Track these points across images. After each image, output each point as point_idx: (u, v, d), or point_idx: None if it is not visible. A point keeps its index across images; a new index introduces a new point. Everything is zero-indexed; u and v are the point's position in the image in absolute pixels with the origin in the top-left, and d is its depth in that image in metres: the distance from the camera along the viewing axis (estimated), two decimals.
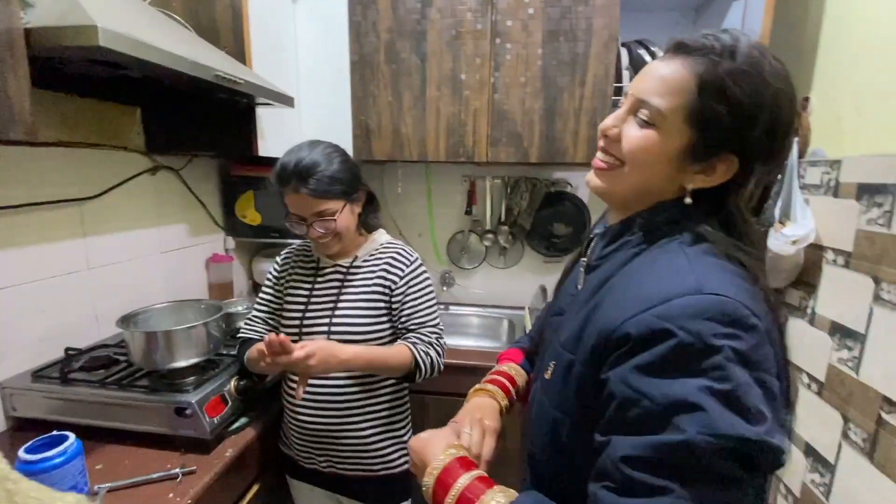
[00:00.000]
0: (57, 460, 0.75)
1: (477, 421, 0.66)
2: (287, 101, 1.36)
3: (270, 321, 1.12)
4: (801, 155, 1.22)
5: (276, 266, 1.14)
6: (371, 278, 1.05)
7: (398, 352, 0.99)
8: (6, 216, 1.03)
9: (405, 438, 1.10)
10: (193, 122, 1.39)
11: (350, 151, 1.06)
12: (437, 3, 1.54)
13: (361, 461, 1.05)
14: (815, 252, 1.09)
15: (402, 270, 1.05)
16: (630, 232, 0.57)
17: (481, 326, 1.96)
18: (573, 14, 1.49)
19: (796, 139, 1.18)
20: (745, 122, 0.49)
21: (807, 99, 1.25)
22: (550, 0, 1.49)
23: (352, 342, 0.99)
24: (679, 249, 0.51)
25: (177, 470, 0.89)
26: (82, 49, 0.78)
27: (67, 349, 1.13)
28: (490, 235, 1.97)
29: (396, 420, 1.09)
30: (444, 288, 2.07)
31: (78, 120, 1.19)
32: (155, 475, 0.87)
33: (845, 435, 0.96)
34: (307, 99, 1.69)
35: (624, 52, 1.58)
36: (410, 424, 1.15)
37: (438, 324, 1.07)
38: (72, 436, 0.80)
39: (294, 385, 1.05)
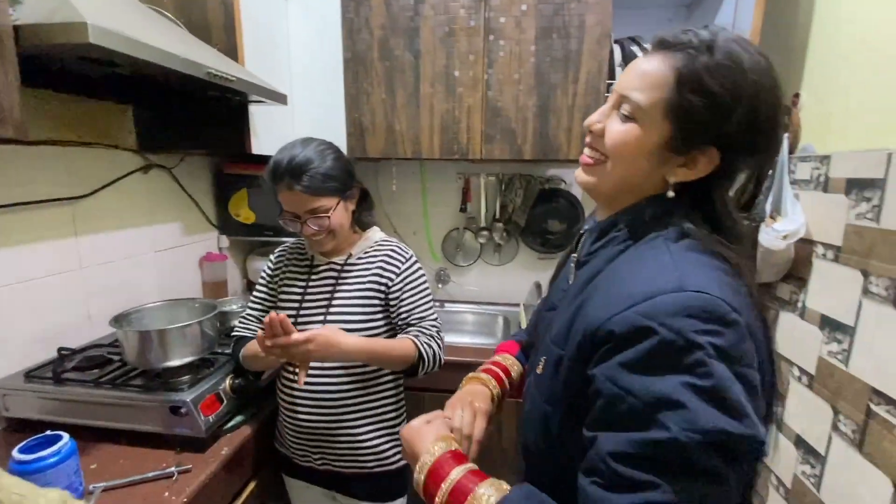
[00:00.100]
0: (51, 460, 0.75)
1: (468, 403, 0.69)
2: (280, 98, 1.35)
3: (264, 319, 1.12)
4: (792, 151, 1.23)
5: (270, 264, 1.14)
6: (366, 276, 1.05)
7: (401, 344, 1.00)
8: (2, 214, 1.02)
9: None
10: (186, 120, 1.38)
11: (344, 149, 1.06)
12: (430, 0, 1.54)
13: (357, 458, 1.05)
14: (805, 246, 1.10)
15: (398, 268, 1.05)
16: (616, 228, 0.58)
17: (476, 323, 1.96)
18: (566, 11, 1.49)
19: (787, 135, 1.20)
20: (723, 115, 0.50)
21: (797, 95, 1.26)
22: None
23: None
24: (663, 246, 0.52)
25: (172, 469, 0.89)
26: (72, 46, 0.77)
27: (60, 349, 1.12)
28: (485, 232, 1.97)
29: (392, 417, 1.09)
30: (440, 285, 2.07)
31: (69, 118, 1.18)
32: (150, 474, 0.87)
33: (835, 426, 0.97)
34: (300, 96, 1.68)
35: (617, 49, 1.58)
36: (406, 421, 1.15)
37: (437, 319, 1.08)
38: (65, 435, 0.79)
39: (289, 383, 1.05)
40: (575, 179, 0.62)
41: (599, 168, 0.58)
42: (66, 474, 0.77)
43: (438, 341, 1.05)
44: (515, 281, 2.01)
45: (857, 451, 0.91)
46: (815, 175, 1.09)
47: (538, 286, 1.84)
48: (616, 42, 1.59)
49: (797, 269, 1.14)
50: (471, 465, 0.57)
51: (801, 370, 1.10)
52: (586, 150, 0.60)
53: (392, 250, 1.08)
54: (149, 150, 1.40)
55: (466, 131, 1.61)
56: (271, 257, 1.15)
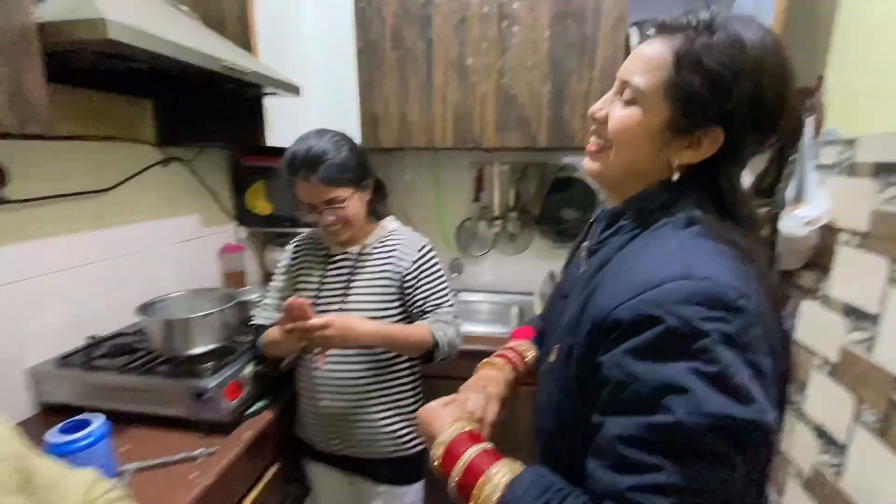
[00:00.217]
0: (86, 441, 0.78)
1: (481, 388, 0.71)
2: (294, 90, 1.36)
3: (284, 304, 1.15)
4: (816, 134, 1.19)
5: (287, 254, 1.16)
6: (381, 265, 1.06)
7: (417, 330, 1.01)
8: (29, 209, 1.06)
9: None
10: (202, 113, 1.40)
11: (357, 140, 1.07)
12: None
13: (375, 444, 1.08)
14: (829, 233, 1.07)
15: (413, 256, 1.06)
16: (625, 216, 0.59)
17: (491, 312, 1.97)
18: None
19: (811, 118, 1.16)
20: (724, 92, 0.49)
21: (820, 78, 1.22)
22: None
23: None
24: (671, 233, 0.52)
25: (199, 451, 0.92)
26: (92, 42, 0.79)
27: (90, 337, 1.16)
28: (498, 222, 1.97)
29: (410, 403, 1.11)
30: (454, 275, 2.08)
31: (92, 113, 1.21)
32: (178, 456, 0.91)
33: (858, 416, 0.96)
34: (313, 87, 1.69)
35: (634, 33, 1.55)
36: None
37: (454, 306, 1.09)
38: (100, 417, 0.83)
39: (308, 370, 1.07)
40: (584, 167, 0.62)
41: (604, 155, 0.58)
42: (100, 455, 0.80)
43: (455, 328, 1.06)
44: (529, 270, 2.00)
45: (880, 440, 0.89)
46: (841, 159, 1.06)
47: (552, 275, 1.84)
48: (633, 25, 1.56)
49: (820, 257, 1.11)
50: (486, 445, 0.59)
51: (823, 359, 1.08)
52: (592, 138, 0.60)
53: (407, 239, 1.09)
54: (168, 143, 1.43)
55: (480, 120, 1.60)
56: (288, 248, 1.17)
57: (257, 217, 1.73)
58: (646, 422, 0.44)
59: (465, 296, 2.01)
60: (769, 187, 0.56)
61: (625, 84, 0.55)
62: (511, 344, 0.85)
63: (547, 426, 0.61)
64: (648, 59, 0.53)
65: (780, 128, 0.52)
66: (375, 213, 1.12)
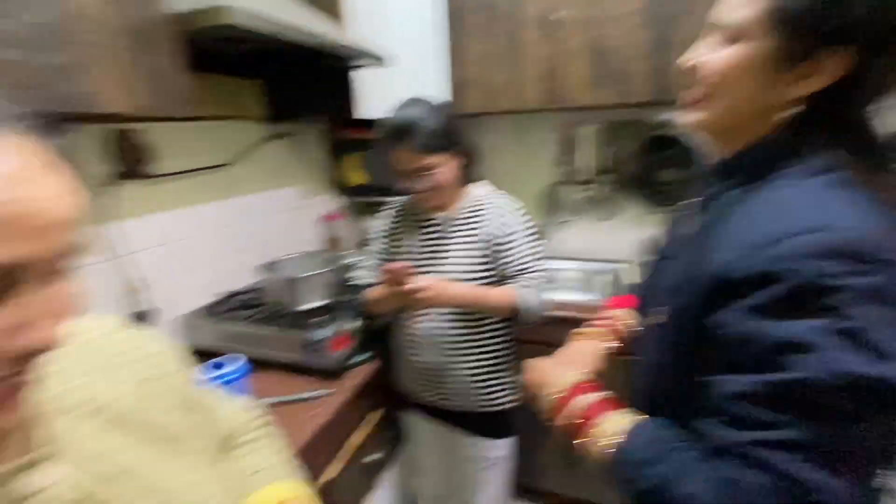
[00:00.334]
0: (234, 376, 0.93)
1: (573, 361, 0.73)
2: (384, 61, 1.40)
3: (384, 268, 1.23)
4: None
5: (382, 221, 1.23)
6: (472, 230, 1.09)
7: (500, 292, 1.05)
8: (174, 181, 1.24)
9: (510, 379, 1.16)
10: (302, 89, 1.51)
11: (449, 107, 1.09)
12: None
13: (467, 398, 1.14)
14: None
15: (502, 219, 1.07)
16: (737, 169, 0.54)
17: (579, 280, 1.92)
18: None
19: None
20: (839, 3, 0.42)
21: None
22: None
23: None
24: (797, 181, 0.47)
25: (318, 392, 1.05)
26: (219, 28, 0.88)
27: (228, 293, 1.35)
28: (588, 186, 1.88)
29: (501, 362, 1.15)
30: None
31: (212, 95, 1.36)
32: (305, 394, 1.04)
33: None
34: (399, 56, 1.72)
35: None
36: (515, 366, 1.20)
37: (543, 267, 1.09)
38: (242, 358, 0.98)
39: (407, 326, 1.15)
40: (680, 123, 0.57)
41: (702, 105, 0.54)
42: (242, 390, 0.95)
43: (540, 291, 1.07)
44: (621, 237, 1.91)
45: None
46: None
47: (647, 242, 1.73)
48: None
49: None
50: (610, 393, 0.61)
51: None
52: (685, 92, 0.56)
53: (497, 203, 1.10)
54: (276, 119, 1.56)
55: (571, 77, 1.52)
56: (383, 214, 1.24)
57: (353, 187, 1.85)
58: (766, 378, 0.42)
59: (551, 263, 1.98)
60: None
61: (715, 27, 0.51)
62: (608, 312, 0.84)
63: (650, 387, 0.60)
64: None
65: None
66: (467, 178, 1.14)
